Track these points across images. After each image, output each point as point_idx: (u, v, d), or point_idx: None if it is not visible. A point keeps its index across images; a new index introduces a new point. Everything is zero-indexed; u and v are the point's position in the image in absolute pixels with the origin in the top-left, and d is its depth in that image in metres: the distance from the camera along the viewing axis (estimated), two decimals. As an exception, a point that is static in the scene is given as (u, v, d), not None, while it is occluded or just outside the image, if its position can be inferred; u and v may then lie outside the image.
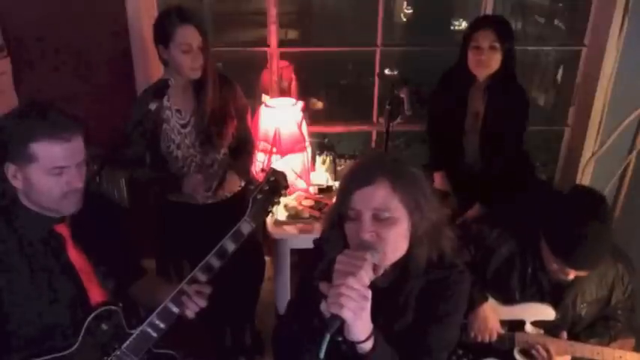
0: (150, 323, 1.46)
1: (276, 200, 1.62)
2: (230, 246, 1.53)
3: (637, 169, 3.02)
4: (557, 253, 1.64)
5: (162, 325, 1.46)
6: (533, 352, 1.79)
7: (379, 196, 1.14)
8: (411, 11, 5.07)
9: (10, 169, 1.36)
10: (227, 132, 2.23)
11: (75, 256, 1.47)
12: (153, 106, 1.93)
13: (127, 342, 1.46)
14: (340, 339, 1.04)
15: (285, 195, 1.68)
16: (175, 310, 1.46)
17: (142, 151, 2.20)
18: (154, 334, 1.46)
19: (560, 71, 3.56)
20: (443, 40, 4.32)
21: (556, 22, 3.85)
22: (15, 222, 1.41)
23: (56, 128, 1.34)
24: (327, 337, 0.98)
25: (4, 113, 1.38)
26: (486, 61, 2.31)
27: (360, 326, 1.04)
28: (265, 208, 1.60)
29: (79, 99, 2.62)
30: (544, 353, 1.77)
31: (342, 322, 1.01)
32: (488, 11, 2.91)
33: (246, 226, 1.56)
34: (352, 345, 1.07)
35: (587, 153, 3.03)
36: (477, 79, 2.39)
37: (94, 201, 1.51)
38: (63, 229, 1.46)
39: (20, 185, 1.38)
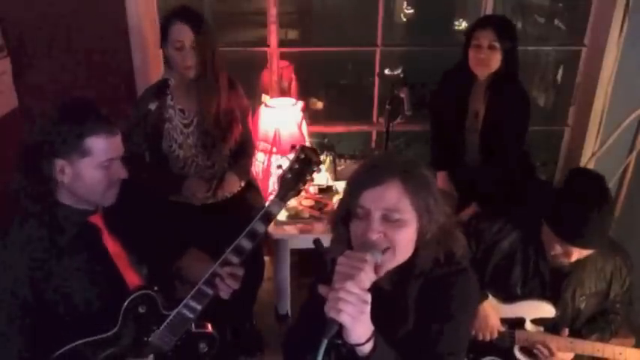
0: (185, 305, 1.51)
1: (308, 178, 1.57)
2: (260, 227, 1.54)
3: (637, 169, 3.01)
4: (561, 233, 1.63)
5: (197, 307, 1.51)
6: (535, 350, 1.79)
7: (390, 196, 1.13)
8: (411, 11, 5.07)
9: (58, 165, 1.41)
10: (232, 137, 2.23)
11: (110, 244, 1.53)
12: (153, 106, 1.93)
13: (165, 323, 1.51)
14: (340, 342, 1.03)
15: (318, 170, 1.59)
16: (209, 291, 1.50)
17: (142, 150, 2.20)
18: (191, 315, 1.51)
19: (560, 71, 3.56)
20: (443, 40, 4.32)
21: (556, 22, 3.85)
22: (51, 217, 1.45)
23: (106, 123, 1.43)
24: (325, 342, 0.97)
25: (49, 111, 1.43)
26: (486, 60, 2.31)
27: (359, 329, 1.03)
28: (296, 187, 1.56)
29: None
30: (546, 351, 1.77)
31: (341, 325, 1.00)
32: (489, 11, 2.92)
33: (275, 207, 1.55)
34: (352, 348, 1.06)
35: (587, 153, 3.03)
36: (477, 78, 2.39)
37: (125, 190, 1.55)
38: (97, 220, 1.52)
39: (67, 179, 1.42)
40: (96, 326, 1.47)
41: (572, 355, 1.80)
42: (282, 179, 1.55)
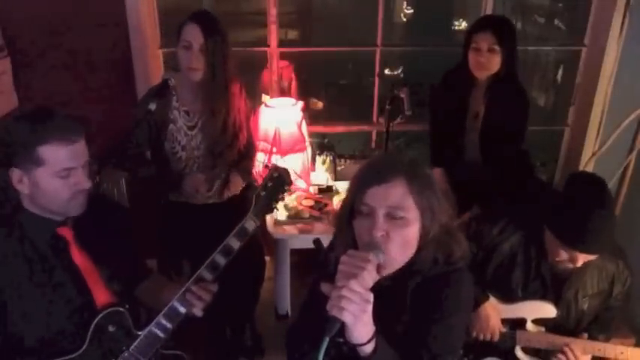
0: (157, 323, 1.46)
1: (280, 197, 1.61)
2: (235, 243, 1.53)
3: (637, 169, 3.01)
4: (564, 239, 1.63)
5: (169, 326, 1.47)
6: (560, 355, 1.78)
7: (395, 194, 1.13)
8: (411, 11, 5.07)
9: (16, 174, 1.36)
10: (238, 145, 2.23)
11: (79, 258, 1.47)
12: (153, 107, 1.93)
13: (135, 343, 1.46)
14: (341, 340, 1.03)
15: (289, 191, 1.66)
16: (182, 309, 1.47)
17: (143, 150, 2.20)
18: (162, 335, 1.47)
19: (560, 71, 3.56)
20: (443, 40, 4.32)
21: (556, 22, 3.85)
22: (17, 229, 1.40)
23: (62, 131, 1.35)
24: (326, 340, 0.97)
25: (9, 117, 1.39)
26: (485, 64, 2.31)
27: (361, 329, 1.03)
28: (269, 205, 1.59)
29: (78, 99, 2.62)
30: (571, 356, 1.76)
31: (343, 324, 1.00)
32: (489, 11, 2.91)
33: (250, 224, 1.55)
34: (353, 347, 1.06)
35: (587, 153, 3.03)
36: (477, 79, 2.39)
37: (97, 202, 1.51)
38: (66, 232, 1.46)
39: (26, 190, 1.38)
40: (60, 347, 1.40)
41: (589, 357, 1.80)
42: (256, 197, 1.58)
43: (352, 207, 1.19)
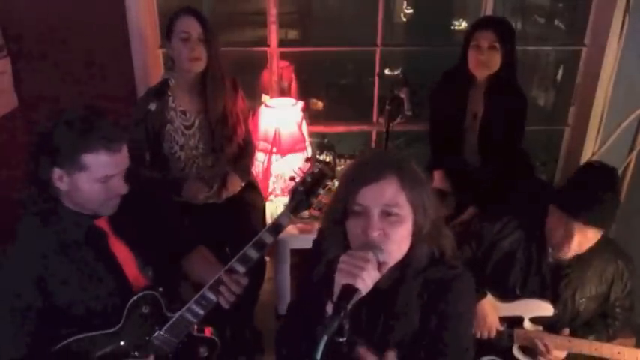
0: (188, 309, 1.52)
1: (319, 192, 1.54)
2: (268, 238, 1.54)
3: (637, 169, 3.01)
4: (567, 205, 1.64)
5: (200, 312, 1.52)
6: (537, 346, 1.78)
7: (389, 192, 1.14)
8: (411, 11, 5.06)
9: (57, 173, 1.40)
10: (237, 138, 2.24)
11: (117, 247, 1.54)
12: (152, 107, 1.93)
13: (167, 325, 1.52)
14: (342, 339, 1.03)
15: (332, 186, 1.55)
16: (213, 298, 1.51)
17: (143, 151, 2.20)
18: (193, 319, 1.53)
19: (560, 71, 3.55)
20: (443, 40, 4.31)
21: (556, 22, 3.84)
22: (56, 223, 1.45)
23: (107, 140, 1.39)
24: (325, 338, 0.97)
25: (58, 119, 1.41)
26: (486, 61, 2.31)
27: None
28: (307, 202, 1.54)
29: (78, 98, 2.61)
30: (542, 347, 1.77)
31: (341, 322, 1.00)
32: (489, 11, 2.91)
33: (284, 219, 1.54)
34: (353, 346, 1.06)
35: (587, 153, 3.03)
36: (476, 79, 2.39)
37: (130, 192, 1.54)
38: (103, 224, 1.53)
39: (65, 188, 1.42)
40: (99, 323, 1.48)
41: (564, 353, 1.80)
42: (293, 192, 1.53)
43: (344, 208, 1.18)
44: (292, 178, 1.56)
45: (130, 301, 1.49)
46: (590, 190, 1.62)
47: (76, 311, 1.46)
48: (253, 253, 1.52)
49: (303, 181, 1.53)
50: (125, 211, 1.54)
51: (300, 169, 1.54)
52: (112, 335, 1.49)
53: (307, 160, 1.60)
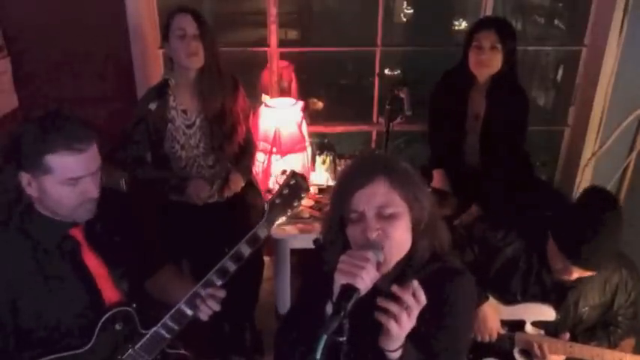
0: (163, 325, 1.48)
1: (295, 204, 1.56)
2: (246, 250, 1.52)
3: (637, 169, 3.01)
4: (566, 250, 1.62)
5: (175, 327, 1.49)
6: (534, 349, 1.78)
7: (380, 193, 1.15)
8: (411, 11, 5.06)
9: (24, 178, 1.36)
10: (237, 138, 2.24)
11: (90, 259, 1.48)
12: (153, 106, 1.94)
13: (141, 342, 1.48)
14: (342, 339, 1.03)
15: (304, 199, 1.60)
16: (189, 312, 1.48)
17: (143, 150, 2.21)
18: (167, 335, 1.49)
19: (560, 71, 3.55)
20: (443, 40, 4.31)
21: (556, 22, 3.84)
22: (29, 228, 1.41)
23: (70, 140, 1.33)
24: (324, 338, 0.97)
25: (22, 121, 1.38)
26: (487, 61, 2.31)
27: (400, 333, 1.04)
28: (283, 213, 1.56)
29: (78, 99, 2.61)
30: (538, 351, 1.76)
31: (341, 322, 1.00)
32: (489, 11, 2.91)
33: (263, 231, 1.54)
34: (354, 346, 1.06)
35: (587, 153, 3.03)
36: (477, 80, 2.39)
37: (107, 202, 1.51)
38: (77, 233, 1.47)
39: (34, 193, 1.37)
40: (69, 342, 1.42)
41: (563, 358, 1.79)
42: (271, 204, 1.54)
43: (341, 216, 1.20)
44: (284, 171, 1.61)
45: (103, 319, 1.43)
46: (590, 237, 1.57)
47: (42, 329, 1.40)
48: (231, 266, 1.50)
49: (280, 193, 1.55)
50: (102, 221, 1.49)
51: (276, 181, 1.56)
52: (81, 356, 1.42)
53: (283, 172, 1.61)
